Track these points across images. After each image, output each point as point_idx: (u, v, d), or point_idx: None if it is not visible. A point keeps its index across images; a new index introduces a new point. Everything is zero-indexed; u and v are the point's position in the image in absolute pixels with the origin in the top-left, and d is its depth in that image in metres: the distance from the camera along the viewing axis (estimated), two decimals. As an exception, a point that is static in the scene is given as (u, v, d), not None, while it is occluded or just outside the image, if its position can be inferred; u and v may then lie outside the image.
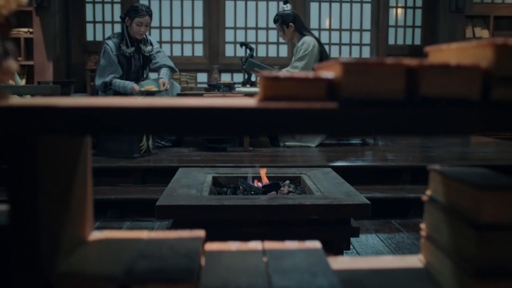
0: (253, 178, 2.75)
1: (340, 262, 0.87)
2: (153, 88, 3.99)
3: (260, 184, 2.66)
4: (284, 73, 0.64)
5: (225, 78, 6.32)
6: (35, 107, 0.59)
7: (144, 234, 0.84)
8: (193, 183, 2.57)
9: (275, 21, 4.45)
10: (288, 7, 4.43)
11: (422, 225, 0.90)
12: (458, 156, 3.94)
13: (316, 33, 6.16)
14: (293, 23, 4.35)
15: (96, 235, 0.83)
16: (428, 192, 0.89)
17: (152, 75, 4.43)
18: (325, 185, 2.51)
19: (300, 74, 0.64)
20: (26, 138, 0.62)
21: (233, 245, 0.84)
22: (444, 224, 0.79)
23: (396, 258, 0.92)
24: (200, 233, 0.84)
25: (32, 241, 0.66)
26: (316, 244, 0.86)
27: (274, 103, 0.61)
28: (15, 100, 0.72)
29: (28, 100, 0.71)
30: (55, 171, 0.69)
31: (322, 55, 4.35)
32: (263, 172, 2.75)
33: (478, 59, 0.67)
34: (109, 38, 4.05)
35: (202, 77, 6.41)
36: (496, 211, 0.67)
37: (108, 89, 3.93)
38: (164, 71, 4.17)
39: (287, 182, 2.73)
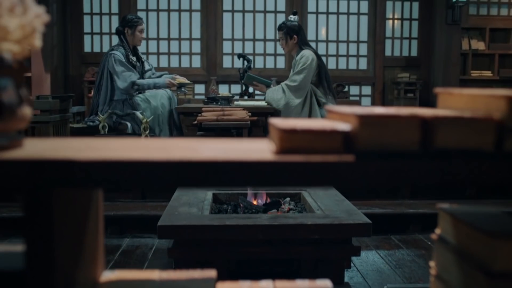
0: (254, 195, 2.76)
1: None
2: (185, 80, 4.30)
3: (260, 202, 2.67)
4: (299, 122, 0.65)
5: (223, 89, 6.34)
6: (52, 161, 0.60)
7: (155, 275, 0.84)
8: (193, 201, 2.57)
9: (279, 28, 4.46)
10: (296, 18, 4.44)
11: (432, 263, 0.91)
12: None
13: (313, 44, 6.18)
14: (296, 36, 4.37)
15: (107, 275, 0.83)
16: (438, 231, 0.90)
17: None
18: (325, 203, 2.52)
19: (317, 126, 0.64)
20: (41, 189, 0.62)
21: (244, 285, 0.85)
22: (454, 266, 0.79)
23: None
24: (212, 273, 0.85)
25: (48, 285, 0.67)
26: (326, 284, 0.86)
27: (291, 156, 0.61)
28: (29, 144, 0.73)
29: (43, 146, 0.71)
30: (69, 217, 0.69)
31: (321, 69, 4.37)
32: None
33: (490, 109, 0.68)
34: (112, 49, 4.14)
35: (199, 89, 6.42)
36: (510, 260, 0.68)
37: (135, 90, 4.10)
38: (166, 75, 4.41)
39: (288, 199, 2.74)
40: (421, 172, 0.63)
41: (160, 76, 4.42)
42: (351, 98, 6.34)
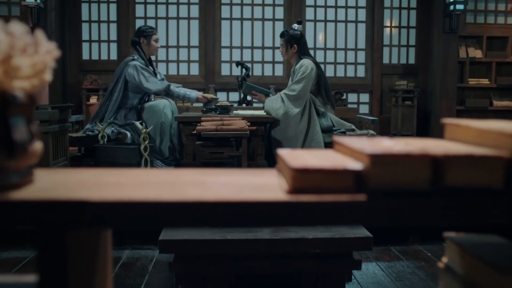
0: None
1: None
2: (214, 96, 4.41)
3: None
4: (312, 162, 0.65)
5: (221, 97, 6.33)
6: (65, 202, 0.60)
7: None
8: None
9: (281, 35, 4.48)
10: (299, 27, 4.45)
11: (438, 291, 0.91)
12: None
13: (311, 52, 6.20)
14: (297, 45, 4.38)
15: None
16: (444, 260, 0.90)
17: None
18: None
19: (329, 165, 0.64)
20: (55, 229, 0.62)
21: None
22: (463, 297, 0.80)
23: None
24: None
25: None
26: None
27: (303, 196, 0.62)
28: (40, 178, 0.73)
29: (54, 181, 0.71)
30: (81, 254, 0.69)
31: (320, 79, 4.38)
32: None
33: (499, 145, 0.68)
34: (133, 59, 4.23)
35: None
36: (519, 296, 0.68)
37: (167, 94, 4.22)
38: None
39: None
40: (432, 210, 0.64)
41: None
42: (349, 105, 6.35)
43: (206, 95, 4.48)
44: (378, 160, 0.63)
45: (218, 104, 4.43)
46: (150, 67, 4.39)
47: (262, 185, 0.69)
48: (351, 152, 0.72)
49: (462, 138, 0.79)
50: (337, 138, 0.80)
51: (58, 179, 0.72)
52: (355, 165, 0.65)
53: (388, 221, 0.63)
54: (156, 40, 4.38)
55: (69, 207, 0.59)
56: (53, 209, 0.59)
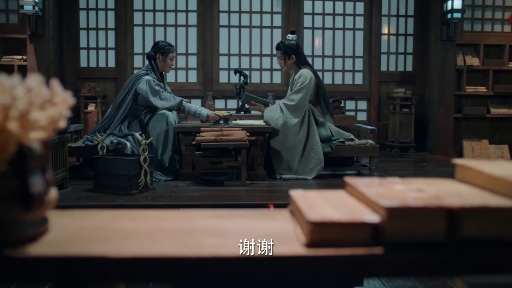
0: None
1: None
2: (226, 113, 4.40)
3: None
4: (328, 214, 0.66)
5: (219, 105, 6.33)
6: (84, 258, 0.60)
7: None
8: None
9: (277, 48, 4.48)
10: (294, 37, 4.45)
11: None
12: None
13: (309, 59, 6.21)
14: (294, 55, 4.39)
15: None
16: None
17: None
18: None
19: (346, 218, 0.65)
20: (74, 284, 0.62)
21: None
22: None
23: None
24: None
25: None
26: None
27: (321, 250, 0.62)
28: (55, 225, 0.73)
29: (70, 228, 0.71)
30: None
31: (319, 89, 4.39)
32: (271, 208, 2.76)
33: (511, 194, 0.69)
34: (146, 74, 4.25)
35: (196, 104, 6.40)
36: None
37: (179, 110, 4.27)
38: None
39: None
40: (448, 262, 0.64)
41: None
42: (347, 113, 6.36)
43: (217, 113, 4.44)
44: (394, 213, 0.64)
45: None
46: (161, 83, 4.40)
47: (278, 233, 0.70)
48: (365, 199, 0.72)
49: (474, 182, 0.79)
50: (350, 181, 0.80)
51: (73, 226, 0.72)
52: (372, 217, 0.65)
53: (405, 274, 0.63)
54: (172, 58, 4.43)
55: (89, 263, 0.60)
56: (74, 266, 0.59)
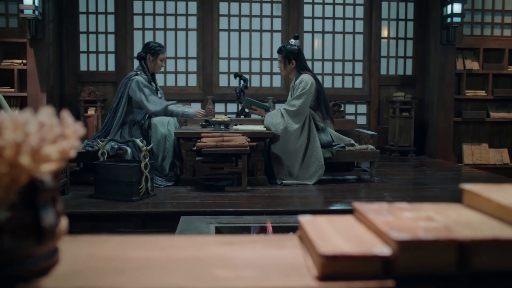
0: (258, 228, 2.76)
1: None
2: (225, 119, 4.40)
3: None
4: (340, 246, 0.66)
5: (219, 108, 6.34)
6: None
7: None
8: (197, 237, 2.57)
9: (279, 51, 4.49)
10: (297, 42, 4.46)
11: None
12: (454, 195, 3.97)
13: (309, 63, 6.22)
14: (295, 61, 4.39)
15: None
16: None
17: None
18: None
19: (357, 250, 0.65)
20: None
21: None
22: None
23: None
24: None
25: None
26: None
27: (334, 283, 0.62)
28: (66, 255, 0.73)
29: (81, 257, 0.71)
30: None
31: (319, 94, 4.40)
32: (268, 227, 2.78)
33: (523, 224, 0.69)
34: (136, 74, 4.25)
35: (196, 107, 6.41)
36: None
37: (166, 114, 4.24)
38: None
39: (290, 233, 2.75)
40: (459, 295, 0.64)
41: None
42: (347, 117, 6.37)
43: (201, 110, 4.49)
44: (406, 246, 0.64)
45: (217, 119, 4.42)
46: (152, 83, 4.38)
47: (289, 263, 0.70)
48: (375, 228, 0.72)
49: (482, 208, 0.79)
50: (358, 207, 0.81)
51: (83, 255, 0.72)
52: (383, 250, 0.65)
53: (416, 307, 0.63)
54: (162, 59, 4.42)
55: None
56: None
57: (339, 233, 0.73)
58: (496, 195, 0.78)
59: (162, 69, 6.34)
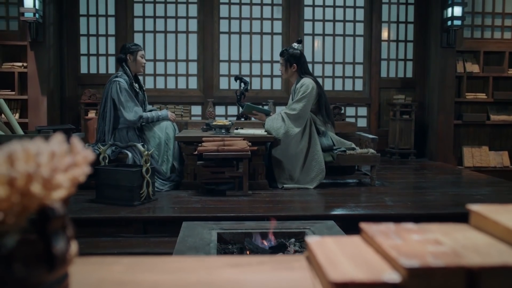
0: (259, 235, 2.76)
1: None
2: (228, 122, 4.40)
3: (266, 243, 2.67)
4: (350, 272, 0.66)
5: (220, 111, 6.35)
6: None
7: None
8: (199, 243, 2.57)
9: (281, 54, 4.50)
10: (299, 47, 4.46)
11: None
12: (455, 199, 3.98)
13: (309, 66, 6.22)
14: (296, 64, 4.40)
15: None
16: None
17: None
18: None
19: (367, 277, 0.65)
20: None
21: None
22: None
23: None
24: None
25: None
26: None
27: (343, 312, 0.62)
28: (76, 279, 0.73)
29: (91, 281, 0.72)
30: None
31: (320, 98, 4.40)
32: (272, 223, 2.79)
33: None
34: (116, 76, 4.22)
35: (196, 110, 6.43)
36: None
37: (141, 122, 4.21)
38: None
39: (292, 240, 2.75)
40: (468, 322, 0.65)
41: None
42: (347, 119, 6.37)
43: (172, 114, 4.48)
44: (415, 273, 0.64)
45: (218, 123, 4.42)
46: (135, 83, 4.33)
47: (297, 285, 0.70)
48: (383, 252, 0.73)
49: (490, 231, 0.80)
50: (366, 228, 0.81)
51: (93, 280, 0.73)
52: (393, 276, 0.65)
53: (425, 334, 0.64)
54: (142, 56, 4.37)
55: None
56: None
57: (347, 257, 0.73)
58: (503, 217, 0.79)
59: (162, 71, 6.37)
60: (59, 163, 0.61)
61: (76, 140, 0.72)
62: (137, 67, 4.35)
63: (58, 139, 0.65)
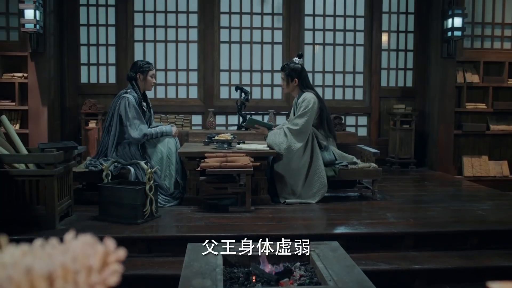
0: (264, 259, 2.76)
1: None
2: (230, 136, 4.38)
3: (271, 268, 2.68)
4: None
5: (220, 120, 6.35)
6: None
7: None
8: (205, 268, 2.57)
9: (282, 69, 4.51)
10: (300, 61, 4.47)
11: None
12: (456, 215, 3.99)
13: (310, 75, 6.23)
14: (298, 79, 4.40)
15: None
16: None
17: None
18: (336, 270, 2.54)
19: None
20: None
21: None
22: None
23: None
24: None
25: None
26: None
27: None
28: None
29: None
30: None
31: (322, 112, 4.41)
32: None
33: None
34: (126, 92, 4.21)
35: (197, 119, 6.43)
36: None
37: (145, 139, 4.21)
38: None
39: (298, 264, 2.76)
40: None
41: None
42: (347, 128, 6.39)
43: (177, 130, 4.45)
44: None
45: (220, 138, 4.42)
46: (143, 102, 4.34)
47: None
48: None
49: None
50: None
51: None
52: None
53: None
54: (152, 76, 4.37)
55: None
56: None
57: None
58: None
59: (163, 81, 6.36)
60: (96, 277, 0.62)
61: (109, 240, 0.72)
62: (146, 86, 4.38)
63: (87, 240, 0.65)
